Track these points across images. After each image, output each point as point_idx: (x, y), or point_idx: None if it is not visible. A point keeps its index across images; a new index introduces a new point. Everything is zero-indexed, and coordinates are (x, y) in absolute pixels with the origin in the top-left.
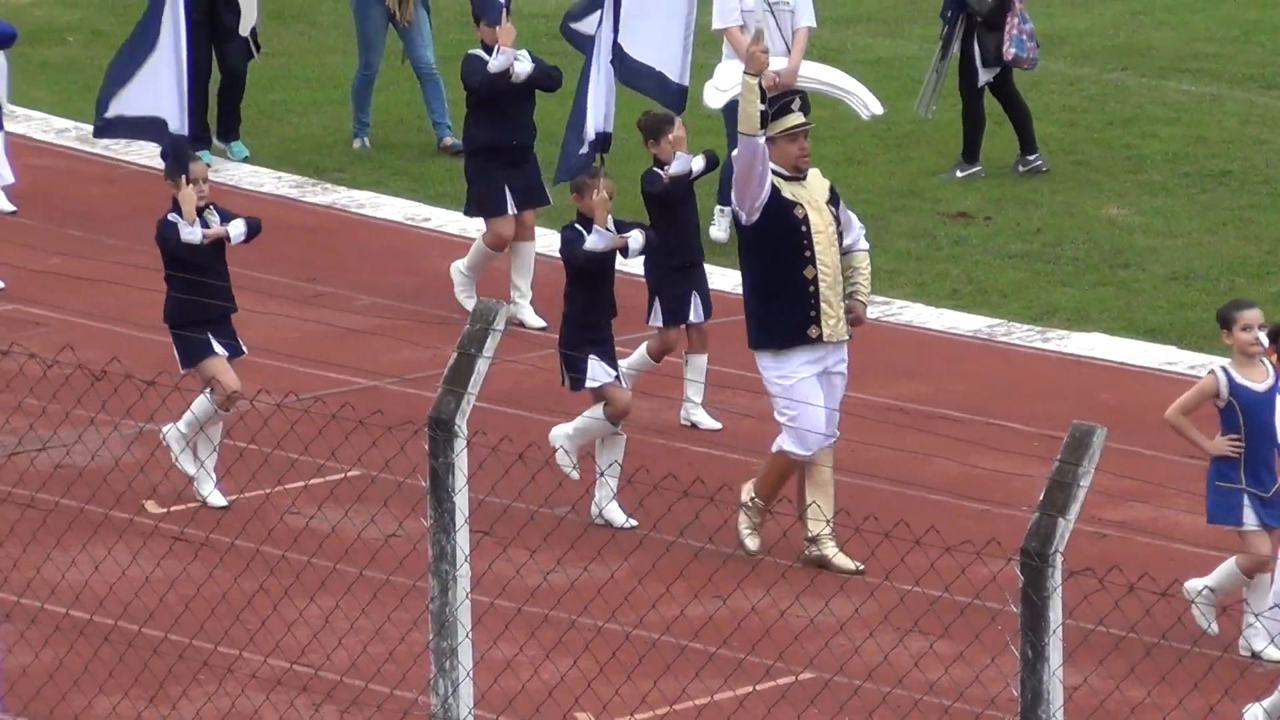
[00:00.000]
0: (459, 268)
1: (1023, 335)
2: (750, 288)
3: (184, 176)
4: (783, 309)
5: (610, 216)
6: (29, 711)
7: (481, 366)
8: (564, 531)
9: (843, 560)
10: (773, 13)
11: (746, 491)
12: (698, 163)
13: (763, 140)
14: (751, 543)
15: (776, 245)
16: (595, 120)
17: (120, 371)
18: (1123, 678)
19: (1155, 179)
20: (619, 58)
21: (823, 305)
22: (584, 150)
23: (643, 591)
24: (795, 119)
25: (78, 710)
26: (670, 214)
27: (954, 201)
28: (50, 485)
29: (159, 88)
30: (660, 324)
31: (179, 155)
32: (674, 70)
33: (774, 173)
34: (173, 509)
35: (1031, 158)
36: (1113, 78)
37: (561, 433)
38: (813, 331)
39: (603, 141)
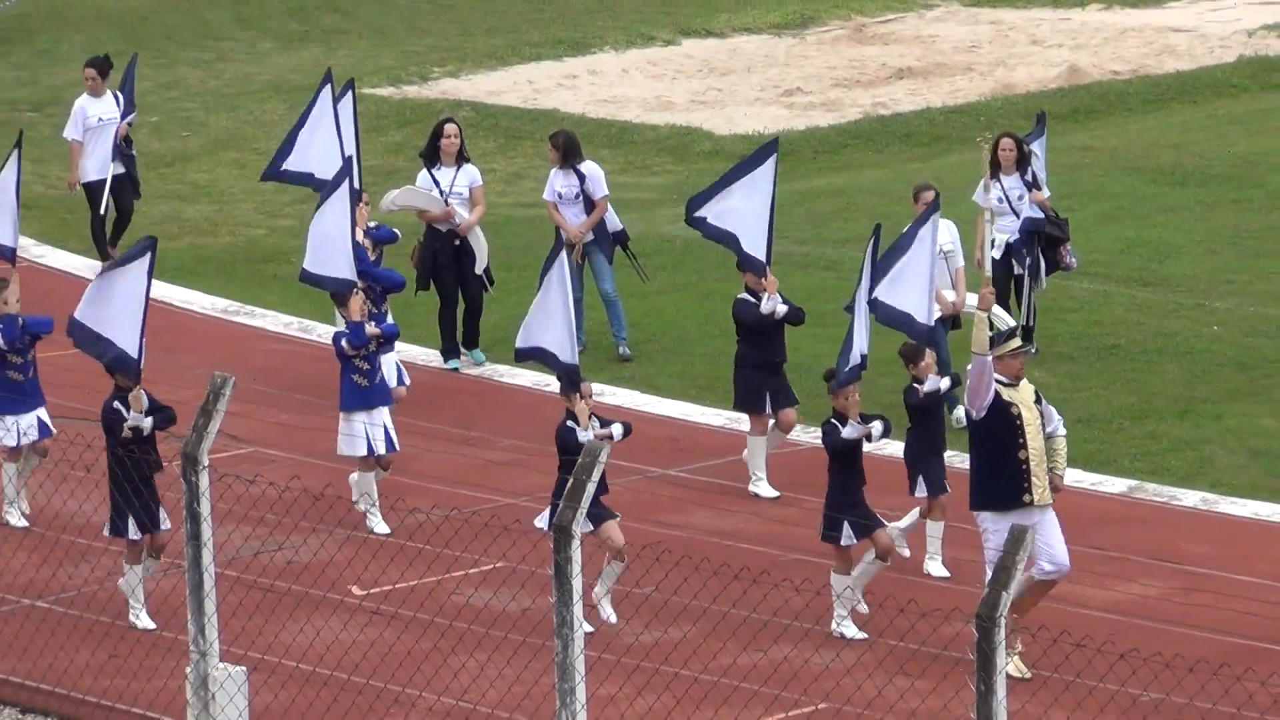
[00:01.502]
0: (755, 477)
1: None
2: (977, 465)
3: (578, 394)
4: (1003, 481)
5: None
6: None
7: (590, 488)
8: (649, 605)
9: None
10: (946, 260)
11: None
12: (945, 382)
13: (990, 359)
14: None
15: (998, 435)
16: (860, 347)
17: (333, 493)
18: (1049, 705)
19: (1065, 351)
20: (876, 304)
21: (1032, 478)
22: (851, 367)
23: (705, 647)
24: (1016, 343)
25: None
26: (925, 418)
27: None
28: (284, 575)
29: (551, 325)
30: (926, 494)
31: (573, 378)
32: (922, 314)
33: (997, 381)
34: (371, 591)
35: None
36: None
37: (840, 582)
38: (1025, 498)
39: (864, 362)
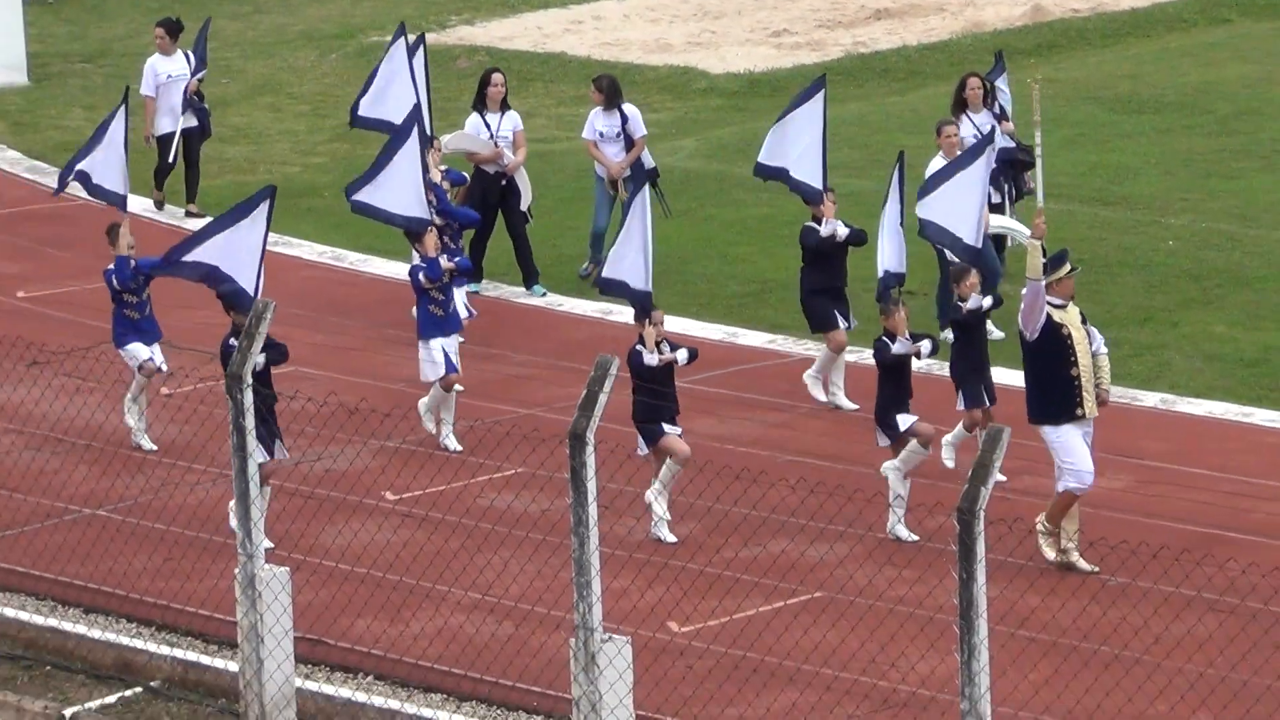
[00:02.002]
0: (811, 374)
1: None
2: (1033, 382)
3: (648, 320)
4: (1057, 396)
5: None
6: (313, 630)
7: (602, 399)
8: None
9: (1083, 564)
10: None
11: (1040, 520)
12: (988, 301)
13: (1043, 284)
14: (1050, 553)
15: (1052, 353)
16: (888, 263)
17: (366, 407)
18: (1024, 590)
19: None
20: (925, 225)
21: (1083, 393)
22: (880, 279)
23: (709, 542)
24: (1068, 268)
25: (344, 628)
26: (969, 334)
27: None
28: (323, 483)
29: (629, 255)
30: (964, 407)
31: (644, 305)
32: (970, 236)
33: (1049, 303)
34: (402, 496)
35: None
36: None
37: (890, 466)
38: (1077, 411)
39: (898, 279)
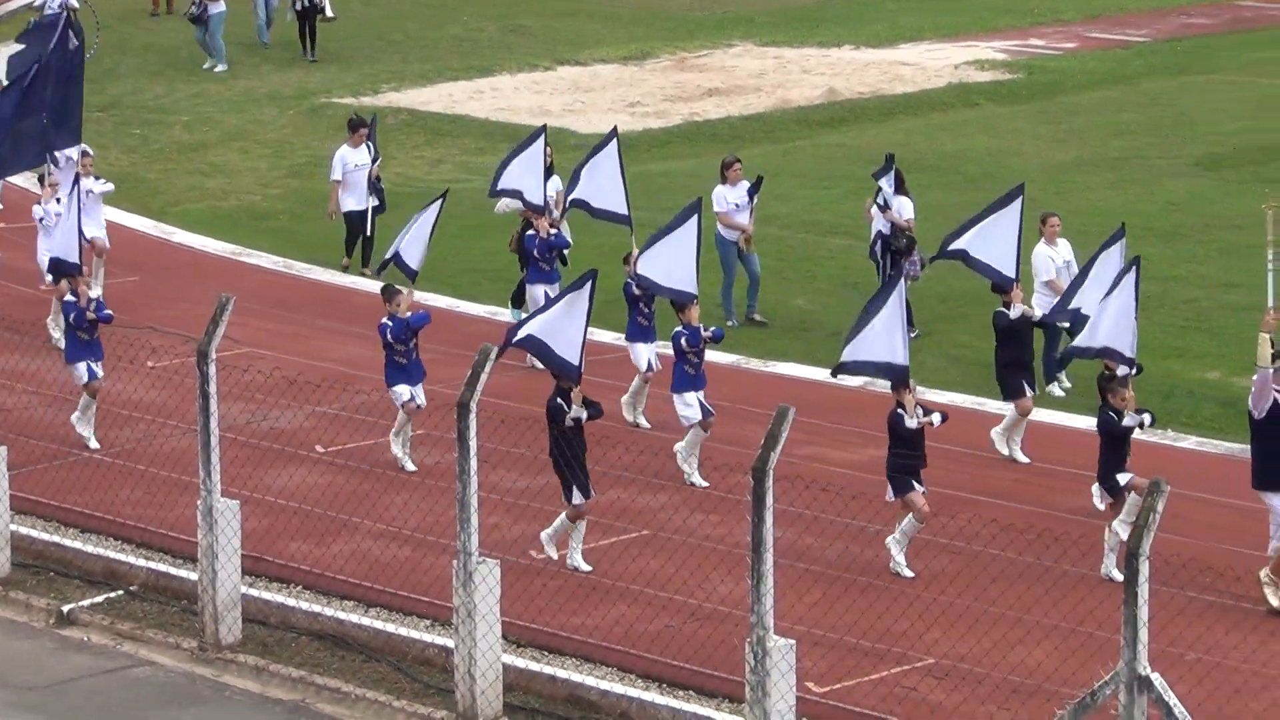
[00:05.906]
0: (998, 431)
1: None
2: (1259, 453)
3: (906, 389)
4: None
5: None
6: (256, 549)
7: (483, 378)
8: (523, 459)
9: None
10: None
11: (1264, 572)
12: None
13: (1271, 370)
14: (1274, 600)
15: (1276, 431)
16: (1108, 341)
17: (303, 380)
18: (801, 532)
19: (822, 287)
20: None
21: None
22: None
23: (561, 490)
24: None
25: (280, 549)
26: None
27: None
28: (267, 437)
29: (891, 342)
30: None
31: (903, 378)
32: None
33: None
34: (330, 449)
35: None
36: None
37: (1120, 526)
38: None
39: (1130, 363)
